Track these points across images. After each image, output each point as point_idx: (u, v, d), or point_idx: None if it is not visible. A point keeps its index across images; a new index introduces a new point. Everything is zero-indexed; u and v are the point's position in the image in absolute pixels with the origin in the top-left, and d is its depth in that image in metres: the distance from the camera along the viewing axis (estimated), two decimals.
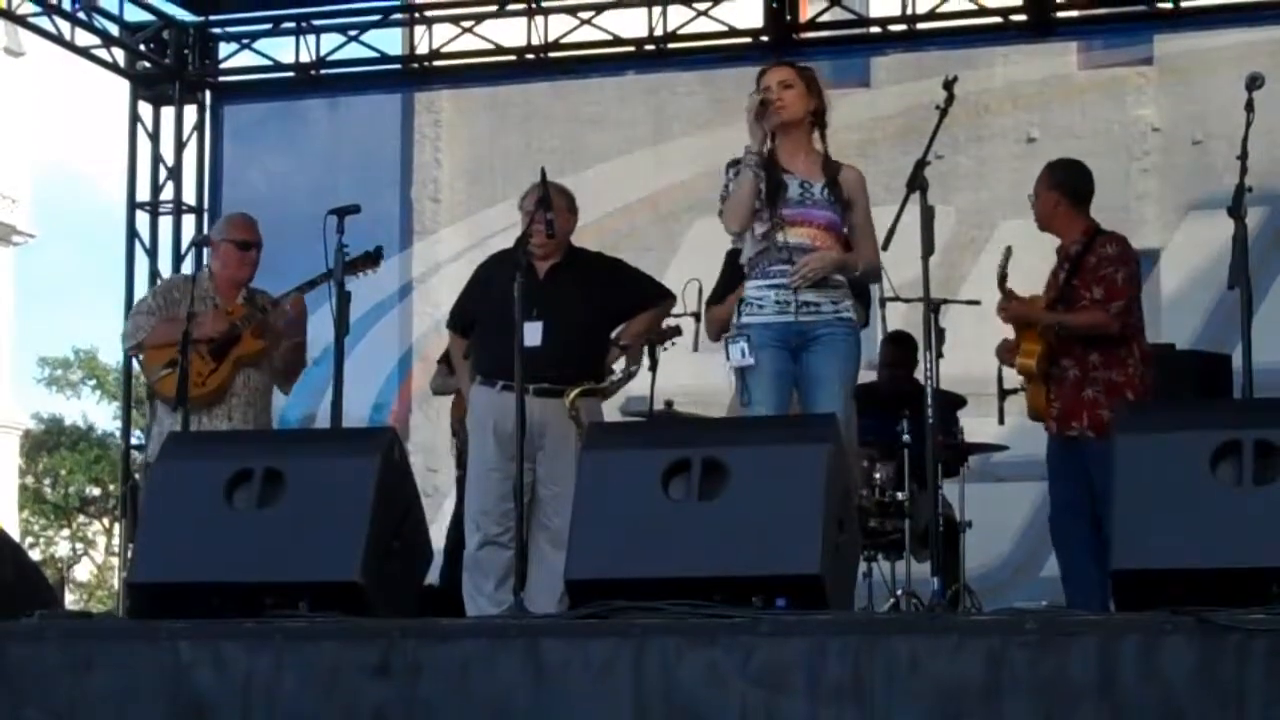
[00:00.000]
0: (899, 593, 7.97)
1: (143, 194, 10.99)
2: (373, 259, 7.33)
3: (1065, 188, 7.09)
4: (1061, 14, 10.15)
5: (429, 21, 10.87)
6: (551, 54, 10.63)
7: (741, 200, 6.18)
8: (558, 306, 6.88)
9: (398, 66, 11.12)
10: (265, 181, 11.13)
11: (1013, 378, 7.39)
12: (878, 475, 8.06)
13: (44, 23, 10.56)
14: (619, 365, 7.23)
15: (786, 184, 6.19)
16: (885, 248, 6.18)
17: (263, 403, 7.54)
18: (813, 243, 6.16)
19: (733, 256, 6.73)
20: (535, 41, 10.63)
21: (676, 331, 7.57)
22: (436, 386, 8.57)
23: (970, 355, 7.41)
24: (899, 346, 8.62)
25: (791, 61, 6.57)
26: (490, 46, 10.80)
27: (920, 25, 10.14)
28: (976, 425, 8.43)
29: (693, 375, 8.01)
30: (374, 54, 11.02)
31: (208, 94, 11.17)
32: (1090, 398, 6.87)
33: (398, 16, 11.14)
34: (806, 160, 6.25)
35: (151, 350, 7.48)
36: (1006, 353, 7.16)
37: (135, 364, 8.91)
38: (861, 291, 6.76)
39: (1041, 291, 7.13)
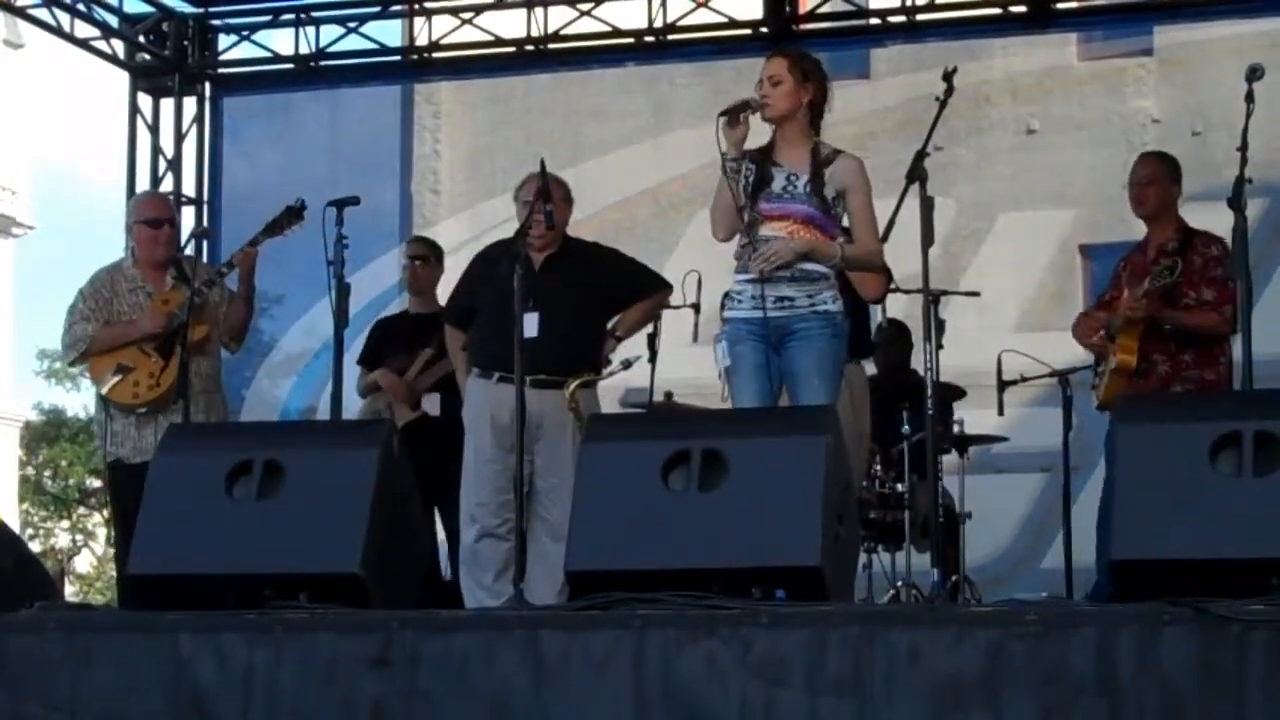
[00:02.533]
0: (899, 584, 7.98)
1: (142, 185, 10.95)
2: (296, 214, 7.15)
3: (1180, 184, 6.96)
4: (1061, 5, 10.14)
5: (428, 13, 10.86)
6: (551, 45, 10.62)
7: (719, 209, 6.17)
8: (553, 297, 6.86)
9: (397, 58, 11.12)
10: (264, 173, 11.11)
11: (1011, 370, 7.37)
12: (878, 466, 8.06)
13: (43, 15, 10.55)
14: (615, 355, 7.23)
15: (773, 176, 6.15)
16: (885, 239, 6.17)
17: (216, 387, 7.44)
18: (789, 237, 6.12)
19: None
20: (535, 33, 10.62)
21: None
22: (360, 389, 8.38)
23: (970, 347, 7.39)
24: (894, 333, 8.54)
25: (790, 50, 6.51)
26: (490, 38, 10.79)
27: (920, 17, 10.13)
28: (976, 417, 8.43)
29: (693, 366, 8.00)
30: (373, 45, 11.02)
31: (207, 86, 11.14)
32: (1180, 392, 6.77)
33: (397, 8, 11.13)
34: (800, 151, 6.18)
35: (97, 359, 7.26)
36: (1089, 333, 6.97)
37: None
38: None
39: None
